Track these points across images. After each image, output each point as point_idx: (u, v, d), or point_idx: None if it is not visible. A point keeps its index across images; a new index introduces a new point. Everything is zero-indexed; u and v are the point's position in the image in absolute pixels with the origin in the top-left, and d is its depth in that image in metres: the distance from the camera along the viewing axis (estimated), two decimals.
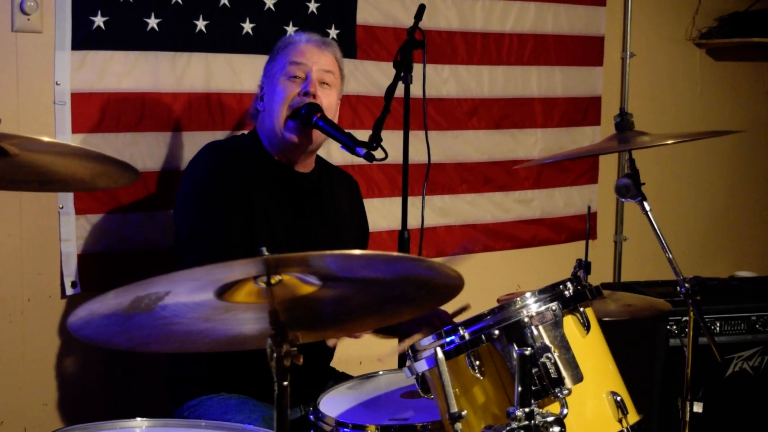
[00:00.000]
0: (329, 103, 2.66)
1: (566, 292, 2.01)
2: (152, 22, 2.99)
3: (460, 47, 3.78)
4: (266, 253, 1.43)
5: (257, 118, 2.74)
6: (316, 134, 2.64)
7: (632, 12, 4.32)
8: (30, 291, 2.91)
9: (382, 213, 3.60)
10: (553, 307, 1.95)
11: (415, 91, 2.97)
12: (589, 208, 2.94)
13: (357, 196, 2.96)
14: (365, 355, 3.46)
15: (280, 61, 2.67)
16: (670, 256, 2.39)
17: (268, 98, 2.67)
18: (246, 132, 2.82)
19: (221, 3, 3.13)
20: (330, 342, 2.47)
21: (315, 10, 3.34)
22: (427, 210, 3.29)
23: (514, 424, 1.75)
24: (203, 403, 2.58)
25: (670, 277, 2.41)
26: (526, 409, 1.75)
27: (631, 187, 2.44)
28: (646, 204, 2.44)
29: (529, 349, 1.78)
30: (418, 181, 3.30)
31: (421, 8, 2.94)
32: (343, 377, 2.74)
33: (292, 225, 2.67)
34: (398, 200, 3.03)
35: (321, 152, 3.27)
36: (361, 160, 2.64)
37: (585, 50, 4.18)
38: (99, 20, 2.89)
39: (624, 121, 2.49)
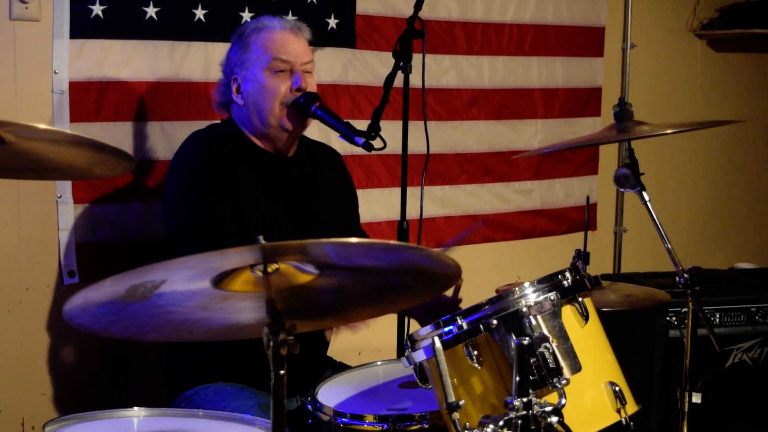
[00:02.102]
0: (313, 88, 2.69)
1: (565, 282, 2.00)
2: (151, 11, 2.98)
3: (460, 37, 3.77)
4: (263, 241, 1.42)
5: (230, 108, 2.72)
6: (309, 121, 2.66)
7: (633, 2, 4.31)
8: (28, 280, 2.90)
9: (381, 203, 3.59)
10: (552, 297, 1.95)
11: (415, 80, 2.96)
12: (588, 198, 2.95)
13: (341, 165, 2.95)
14: (364, 346, 3.45)
15: (257, 52, 2.64)
16: (669, 246, 2.38)
17: (252, 92, 2.64)
18: (219, 121, 2.78)
19: None
20: (327, 334, 2.48)
21: (314, 0, 3.32)
22: (426, 200, 3.28)
23: (512, 414, 1.75)
24: (199, 393, 2.58)
25: (670, 268, 2.40)
26: (524, 399, 1.75)
27: (630, 177, 2.43)
28: (645, 194, 2.43)
29: (527, 338, 1.78)
30: (417, 171, 3.29)
31: None
32: (342, 367, 2.73)
33: (283, 211, 2.67)
34: (397, 190, 3.02)
35: (320, 139, 3.27)
36: (359, 150, 2.64)
37: (585, 41, 4.16)
38: (97, 9, 2.87)
39: (623, 111, 2.48)
